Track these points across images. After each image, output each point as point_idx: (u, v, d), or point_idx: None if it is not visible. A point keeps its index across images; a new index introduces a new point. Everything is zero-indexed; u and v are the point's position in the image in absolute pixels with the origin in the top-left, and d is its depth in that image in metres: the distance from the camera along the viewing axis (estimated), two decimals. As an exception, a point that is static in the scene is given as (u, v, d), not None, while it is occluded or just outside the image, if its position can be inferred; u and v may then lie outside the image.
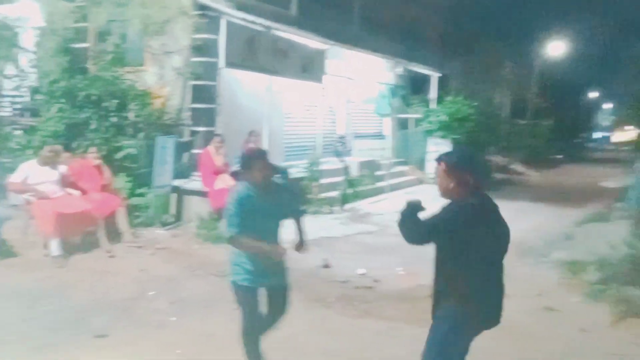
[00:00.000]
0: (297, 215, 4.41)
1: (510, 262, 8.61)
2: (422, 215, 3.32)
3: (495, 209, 3.39)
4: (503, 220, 3.40)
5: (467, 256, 3.22)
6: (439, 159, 3.37)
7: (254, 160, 4.06)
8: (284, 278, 4.24)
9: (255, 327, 4.12)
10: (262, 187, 4.04)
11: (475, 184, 3.27)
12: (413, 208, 3.38)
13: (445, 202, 3.37)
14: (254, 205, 3.99)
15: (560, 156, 29.19)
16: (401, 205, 3.41)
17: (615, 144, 49.81)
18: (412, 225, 3.32)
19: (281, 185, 4.42)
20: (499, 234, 3.36)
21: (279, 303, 4.19)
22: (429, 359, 3.38)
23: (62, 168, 7.84)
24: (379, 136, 16.67)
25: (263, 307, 4.18)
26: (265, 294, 4.16)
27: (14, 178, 7.48)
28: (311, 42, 11.51)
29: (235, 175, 8.73)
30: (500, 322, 3.44)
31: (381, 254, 8.62)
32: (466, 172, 3.26)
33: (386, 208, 12.13)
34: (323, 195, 11.47)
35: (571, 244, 9.31)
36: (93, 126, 9.01)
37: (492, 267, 3.35)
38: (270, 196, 4.09)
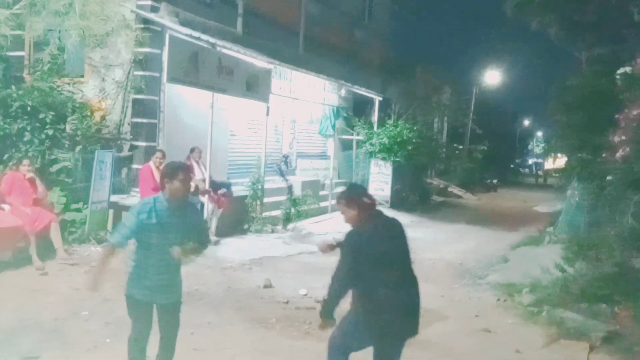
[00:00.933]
0: (201, 245, 4.20)
1: (449, 284, 8.86)
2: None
3: (391, 227, 4.00)
4: (400, 236, 3.99)
5: (367, 274, 3.75)
6: (339, 199, 4.02)
7: (178, 173, 3.95)
8: (176, 296, 4.20)
9: (142, 339, 4.13)
10: (176, 203, 3.95)
11: (366, 208, 3.92)
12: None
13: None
14: (159, 219, 3.90)
15: (496, 181, 30.22)
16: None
17: (547, 170, 52.08)
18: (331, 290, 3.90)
19: (194, 207, 4.46)
20: (395, 251, 3.90)
21: (168, 321, 4.17)
22: (333, 337, 4.06)
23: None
24: (323, 156, 16.79)
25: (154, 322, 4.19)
26: (157, 310, 4.15)
27: None
28: (257, 60, 11.52)
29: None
30: (416, 333, 3.92)
31: (323, 274, 8.54)
32: (361, 198, 3.94)
33: (329, 228, 12.18)
34: (266, 214, 11.41)
35: (507, 267, 9.60)
36: (27, 138, 8.66)
37: (394, 281, 3.79)
38: (181, 215, 3.99)
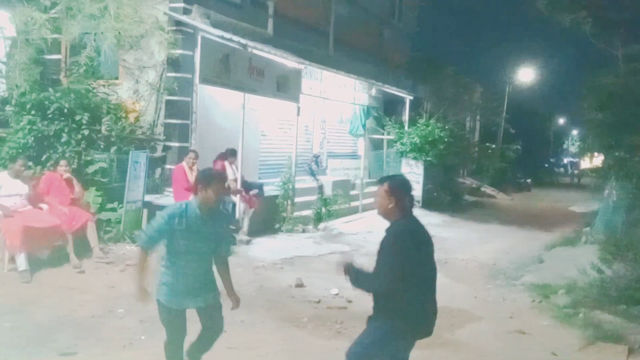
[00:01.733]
0: (226, 253, 4.24)
1: (483, 284, 8.75)
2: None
3: (425, 230, 3.73)
4: (431, 240, 3.75)
5: (405, 275, 3.46)
6: (383, 181, 3.70)
7: (212, 181, 3.89)
8: (214, 298, 4.14)
9: (176, 345, 4.09)
10: (208, 210, 3.90)
11: (409, 206, 3.67)
12: (352, 272, 3.71)
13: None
14: (191, 226, 3.85)
15: (529, 180, 29.73)
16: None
17: (582, 170, 50.96)
18: (366, 282, 3.67)
19: (225, 216, 4.47)
20: (431, 253, 3.70)
21: (210, 322, 4.15)
22: (354, 352, 3.68)
23: (32, 181, 7.68)
24: (353, 156, 16.76)
25: (194, 324, 4.15)
26: (197, 313, 4.12)
27: None
28: (287, 61, 11.56)
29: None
30: (431, 334, 3.72)
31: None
32: (405, 195, 3.65)
33: (359, 227, 12.16)
34: (297, 213, 11.44)
35: (541, 268, 9.45)
36: (64, 139, 8.84)
37: (427, 285, 3.65)
38: (211, 223, 3.95)
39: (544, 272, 8.93)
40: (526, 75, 30.60)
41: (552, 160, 50.76)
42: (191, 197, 3.94)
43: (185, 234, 3.84)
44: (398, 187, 3.66)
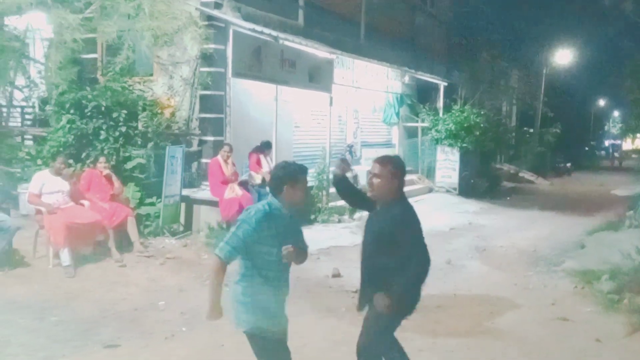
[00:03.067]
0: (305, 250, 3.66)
1: (523, 271, 8.61)
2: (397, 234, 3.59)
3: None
4: None
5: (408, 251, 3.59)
6: (384, 162, 3.71)
7: (300, 175, 3.45)
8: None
9: None
10: (296, 210, 3.52)
11: (404, 184, 3.79)
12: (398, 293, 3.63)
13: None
14: (279, 229, 3.37)
15: (569, 164, 29.05)
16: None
17: (626, 151, 49.52)
18: (414, 278, 3.63)
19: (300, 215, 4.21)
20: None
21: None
22: (373, 346, 3.82)
23: (73, 178, 7.88)
24: (388, 144, 16.66)
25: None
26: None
27: (33, 189, 7.49)
28: (319, 51, 11.53)
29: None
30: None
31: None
32: (404, 175, 3.77)
33: (395, 217, 12.09)
34: (332, 204, 11.44)
35: (583, 253, 9.23)
36: (102, 136, 9.03)
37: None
38: (296, 222, 3.58)
39: (586, 258, 8.72)
40: (564, 56, 29.77)
41: (592, 143, 49.44)
42: (271, 199, 3.46)
43: (275, 240, 3.33)
44: (401, 167, 3.74)
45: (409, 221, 3.64)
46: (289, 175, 3.44)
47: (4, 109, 10.85)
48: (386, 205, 3.69)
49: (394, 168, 3.67)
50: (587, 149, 43.44)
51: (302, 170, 3.50)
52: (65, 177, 7.74)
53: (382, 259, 3.65)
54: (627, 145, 55.35)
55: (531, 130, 27.93)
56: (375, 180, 3.67)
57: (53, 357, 4.85)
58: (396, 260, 3.56)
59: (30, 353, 4.88)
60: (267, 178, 9.75)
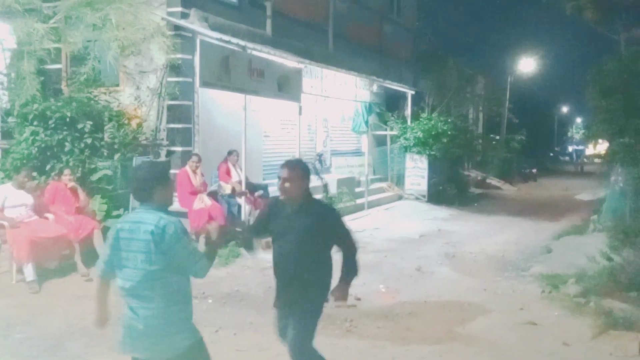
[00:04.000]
0: None
1: (492, 277, 8.71)
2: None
3: None
4: None
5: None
6: (292, 166, 4.04)
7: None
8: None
9: None
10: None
11: None
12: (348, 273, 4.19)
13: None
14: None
15: (535, 170, 29.63)
16: None
17: (589, 157, 50.70)
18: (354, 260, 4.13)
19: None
20: None
21: None
22: (305, 350, 4.08)
23: (37, 191, 7.71)
24: (357, 153, 16.73)
25: None
26: None
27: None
28: (287, 61, 11.54)
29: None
30: None
31: (362, 271, 8.49)
32: (310, 175, 4.15)
33: (366, 225, 12.13)
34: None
35: (550, 257, 9.40)
36: (67, 148, 8.86)
37: None
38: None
39: (553, 262, 8.89)
40: (528, 64, 30.46)
41: (557, 149, 50.62)
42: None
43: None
44: (307, 169, 4.14)
45: (334, 209, 4.37)
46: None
47: (-35, 121, 10.57)
48: (301, 205, 3.99)
49: (301, 170, 4.04)
50: (551, 154, 44.42)
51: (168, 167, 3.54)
52: (28, 190, 7.57)
53: (310, 255, 3.95)
54: (589, 150, 56.73)
55: (497, 137, 28.42)
56: (287, 184, 3.95)
57: (18, 375, 4.72)
58: (321, 254, 4.01)
59: (-7, 372, 4.74)
60: (237, 188, 9.78)
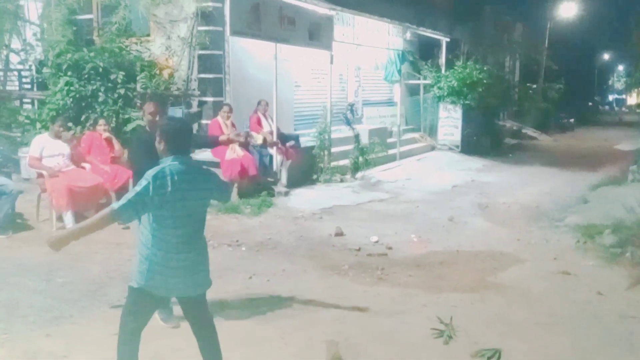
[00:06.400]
0: None
1: (525, 227, 8.62)
2: None
3: None
4: None
5: None
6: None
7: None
8: None
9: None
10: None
11: None
12: None
13: None
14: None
15: (573, 120, 28.84)
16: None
17: (629, 106, 49.12)
18: None
19: None
20: None
21: None
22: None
23: (73, 141, 7.84)
24: (389, 103, 16.51)
25: None
26: None
27: (33, 152, 7.47)
28: (318, 8, 11.30)
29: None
30: None
31: (393, 221, 8.59)
32: None
33: (398, 175, 12.08)
34: (334, 163, 11.40)
35: (586, 208, 9.23)
36: (101, 98, 8.95)
37: None
38: None
39: (589, 213, 8.72)
40: (569, 9, 29.24)
41: (596, 98, 49.04)
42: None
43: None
44: None
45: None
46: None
47: (1, 73, 10.73)
48: None
49: None
50: (590, 104, 43.07)
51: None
52: (64, 140, 7.70)
53: None
54: (631, 99, 54.91)
55: (534, 86, 27.62)
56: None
57: (61, 317, 4.91)
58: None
59: (39, 314, 4.93)
60: (269, 138, 9.78)
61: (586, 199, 10.00)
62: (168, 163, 3.34)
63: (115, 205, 3.25)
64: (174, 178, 3.26)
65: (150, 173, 3.27)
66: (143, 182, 3.23)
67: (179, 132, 3.42)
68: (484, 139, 17.10)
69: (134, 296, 3.50)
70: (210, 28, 10.31)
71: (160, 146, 3.43)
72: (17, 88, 11.39)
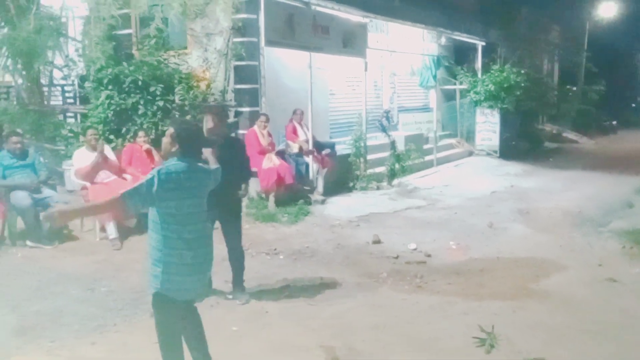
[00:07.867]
0: None
1: (568, 233, 8.43)
2: None
3: None
4: None
5: None
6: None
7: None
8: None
9: None
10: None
11: None
12: None
13: None
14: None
15: (615, 122, 28.08)
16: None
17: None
18: None
19: None
20: None
21: None
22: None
23: (108, 153, 8.02)
24: (425, 109, 16.38)
25: None
26: None
27: (79, 164, 7.69)
28: (351, 16, 11.33)
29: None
30: None
31: (431, 228, 8.51)
32: None
33: (435, 182, 11.97)
34: (370, 171, 11.38)
35: (632, 213, 9.00)
36: (140, 111, 9.13)
37: None
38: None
39: (635, 217, 8.49)
40: (609, 8, 28.55)
41: (639, 99, 47.60)
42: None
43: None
44: None
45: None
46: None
47: (45, 89, 11.07)
48: None
49: None
50: (633, 105, 41.84)
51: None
52: (98, 150, 7.85)
53: None
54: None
55: (574, 88, 27.02)
56: None
57: (105, 325, 5.02)
58: None
59: (83, 322, 5.06)
60: (304, 147, 9.83)
61: (631, 203, 9.74)
62: (172, 163, 3.55)
63: (124, 190, 3.42)
64: (180, 176, 3.47)
65: (155, 169, 3.49)
66: (149, 175, 3.42)
67: (194, 135, 3.67)
68: (523, 143, 16.82)
69: (155, 303, 3.66)
70: (246, 39, 10.43)
71: (171, 147, 3.62)
72: (61, 102, 11.73)
